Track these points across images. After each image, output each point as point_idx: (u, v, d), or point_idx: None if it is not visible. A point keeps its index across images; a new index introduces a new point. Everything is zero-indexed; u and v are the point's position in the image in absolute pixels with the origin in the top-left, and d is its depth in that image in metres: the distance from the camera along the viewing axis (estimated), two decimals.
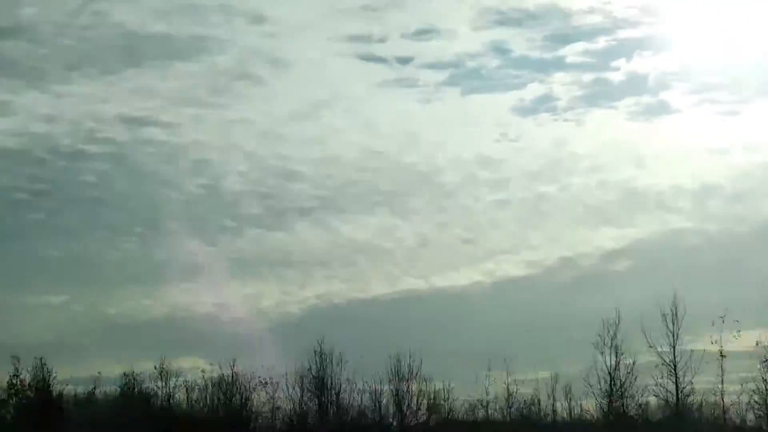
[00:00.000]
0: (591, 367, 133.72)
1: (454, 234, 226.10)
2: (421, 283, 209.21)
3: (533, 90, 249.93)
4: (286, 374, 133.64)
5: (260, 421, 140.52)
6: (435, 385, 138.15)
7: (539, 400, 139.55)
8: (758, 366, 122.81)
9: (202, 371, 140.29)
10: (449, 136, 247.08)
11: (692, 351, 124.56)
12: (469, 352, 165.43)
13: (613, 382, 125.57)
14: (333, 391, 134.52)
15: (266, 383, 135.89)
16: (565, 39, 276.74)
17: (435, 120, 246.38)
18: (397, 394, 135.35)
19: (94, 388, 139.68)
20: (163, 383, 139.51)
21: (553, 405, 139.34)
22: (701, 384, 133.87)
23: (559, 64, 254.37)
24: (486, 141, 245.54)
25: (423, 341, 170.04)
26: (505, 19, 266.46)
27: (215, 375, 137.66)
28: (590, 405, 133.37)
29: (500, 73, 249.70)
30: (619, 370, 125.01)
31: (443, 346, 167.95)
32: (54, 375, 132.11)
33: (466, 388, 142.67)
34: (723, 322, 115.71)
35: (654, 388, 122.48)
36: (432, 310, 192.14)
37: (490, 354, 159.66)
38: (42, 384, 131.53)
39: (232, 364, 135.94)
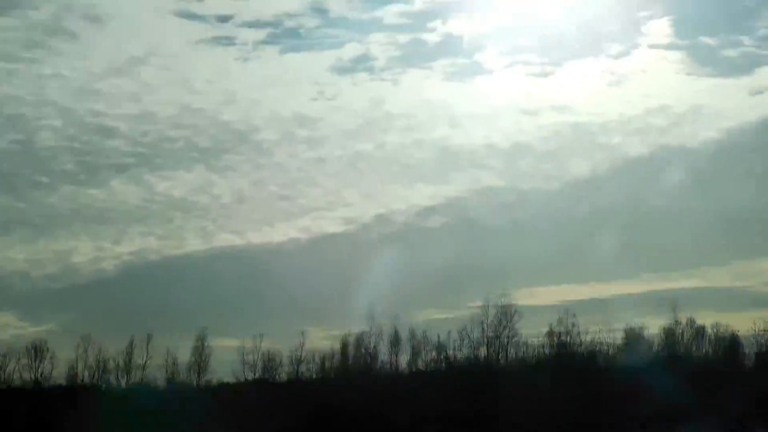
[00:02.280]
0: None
1: (270, 191, 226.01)
2: (237, 239, 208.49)
3: (351, 50, 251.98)
4: None
5: None
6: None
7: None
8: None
9: None
10: (267, 95, 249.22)
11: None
12: (287, 308, 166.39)
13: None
14: None
15: None
16: (382, 0, 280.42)
17: (253, 78, 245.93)
18: None
19: None
20: None
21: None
22: None
23: (377, 25, 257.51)
24: (304, 99, 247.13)
25: (239, 297, 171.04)
26: None
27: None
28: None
29: (319, 32, 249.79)
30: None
31: (261, 301, 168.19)
32: None
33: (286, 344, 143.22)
34: None
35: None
36: (248, 266, 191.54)
37: (306, 309, 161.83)
38: None
39: None
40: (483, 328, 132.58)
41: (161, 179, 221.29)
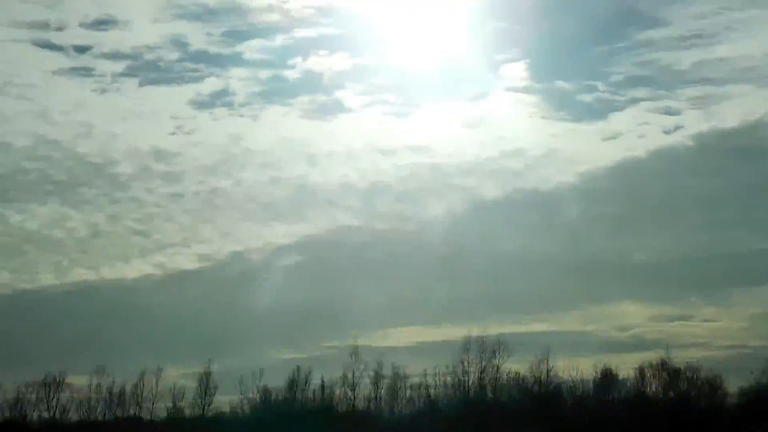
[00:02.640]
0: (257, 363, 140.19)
1: (126, 226, 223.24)
2: (92, 274, 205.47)
3: (210, 84, 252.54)
4: None
5: None
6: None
7: None
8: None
9: None
10: (125, 128, 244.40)
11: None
12: (138, 345, 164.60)
13: None
14: None
15: None
16: (243, 35, 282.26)
17: (111, 111, 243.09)
18: None
19: None
20: None
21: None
22: None
23: (237, 60, 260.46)
24: (162, 133, 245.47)
25: (91, 332, 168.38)
26: (184, 13, 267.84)
27: None
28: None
29: (178, 66, 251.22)
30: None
31: (114, 337, 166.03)
32: None
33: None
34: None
35: None
36: (102, 301, 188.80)
37: (159, 347, 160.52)
38: None
39: None
40: None
41: (14, 211, 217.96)
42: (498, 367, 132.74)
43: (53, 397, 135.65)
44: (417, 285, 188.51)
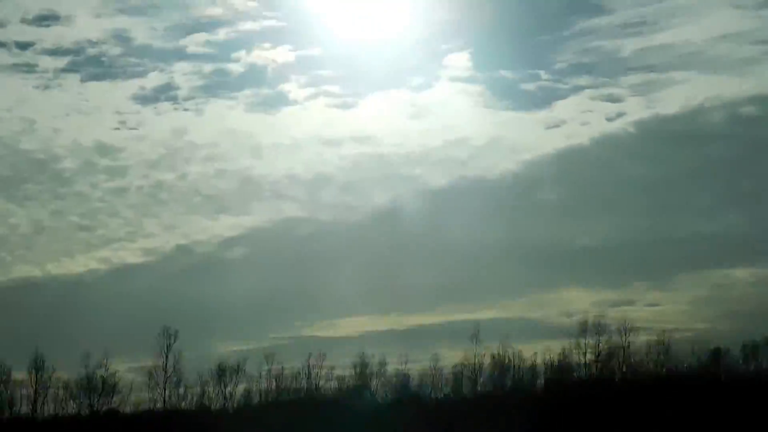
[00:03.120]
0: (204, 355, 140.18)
1: (70, 221, 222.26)
2: (36, 270, 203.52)
3: (154, 79, 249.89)
4: None
5: None
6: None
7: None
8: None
9: None
10: (68, 123, 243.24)
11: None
12: (83, 340, 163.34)
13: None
14: None
15: None
16: (185, 29, 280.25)
17: (53, 107, 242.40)
18: None
19: None
20: None
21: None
22: None
23: (181, 54, 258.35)
24: (105, 129, 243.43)
25: (36, 329, 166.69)
26: (127, 8, 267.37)
27: None
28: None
29: (121, 61, 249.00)
30: None
31: (59, 333, 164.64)
32: None
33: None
34: None
35: None
36: (47, 297, 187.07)
37: (101, 342, 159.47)
38: None
39: None
40: None
41: None
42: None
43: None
44: (364, 275, 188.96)
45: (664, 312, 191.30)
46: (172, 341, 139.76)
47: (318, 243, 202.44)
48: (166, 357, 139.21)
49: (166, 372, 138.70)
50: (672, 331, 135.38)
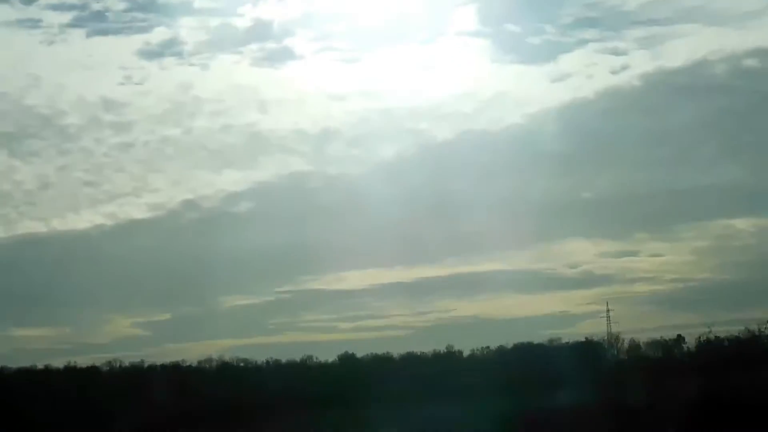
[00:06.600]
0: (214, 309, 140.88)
1: (75, 177, 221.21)
2: (41, 226, 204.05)
3: (160, 34, 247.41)
4: None
5: None
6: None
7: None
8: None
9: None
10: (73, 79, 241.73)
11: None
12: (89, 295, 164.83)
13: None
14: None
15: None
16: None
17: (58, 62, 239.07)
18: None
19: None
20: None
21: None
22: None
23: (186, 9, 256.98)
24: (110, 84, 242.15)
25: (42, 284, 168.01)
26: None
27: None
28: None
29: (126, 16, 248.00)
30: None
31: (65, 288, 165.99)
32: None
33: (89, 334, 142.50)
34: None
35: None
36: (53, 253, 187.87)
37: (112, 298, 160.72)
38: None
39: None
40: None
41: None
42: None
43: None
44: (370, 228, 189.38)
45: (667, 262, 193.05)
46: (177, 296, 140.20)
47: (324, 197, 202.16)
48: None
49: None
50: (673, 281, 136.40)
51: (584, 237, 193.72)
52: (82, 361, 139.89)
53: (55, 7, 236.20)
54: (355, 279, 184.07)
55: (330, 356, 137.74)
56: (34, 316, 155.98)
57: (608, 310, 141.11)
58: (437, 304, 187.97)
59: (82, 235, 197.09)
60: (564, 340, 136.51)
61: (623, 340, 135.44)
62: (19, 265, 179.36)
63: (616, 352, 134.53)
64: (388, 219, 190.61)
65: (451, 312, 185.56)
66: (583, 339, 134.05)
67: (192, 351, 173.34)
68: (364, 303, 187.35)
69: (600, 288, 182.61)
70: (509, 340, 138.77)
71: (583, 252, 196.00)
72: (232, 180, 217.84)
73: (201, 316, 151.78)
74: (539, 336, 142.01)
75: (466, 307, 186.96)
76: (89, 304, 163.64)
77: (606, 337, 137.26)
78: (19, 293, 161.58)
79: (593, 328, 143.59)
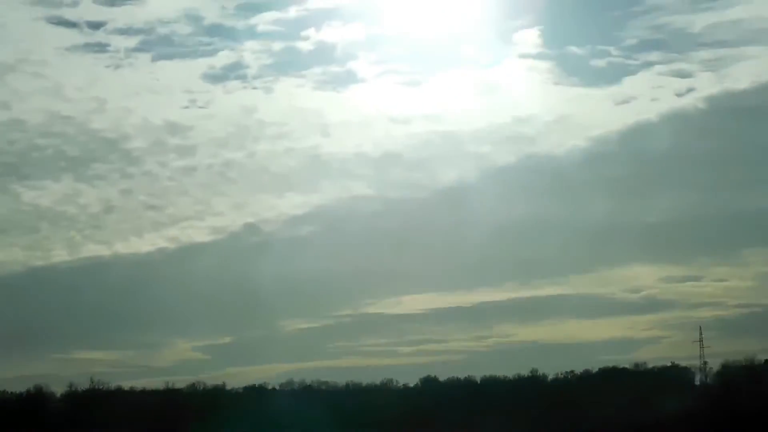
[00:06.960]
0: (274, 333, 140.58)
1: (139, 200, 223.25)
2: (105, 249, 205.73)
3: (224, 57, 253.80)
4: None
5: None
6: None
7: None
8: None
9: None
10: (138, 102, 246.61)
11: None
12: (151, 318, 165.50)
13: None
14: None
15: None
16: (256, 8, 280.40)
17: (124, 86, 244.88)
18: None
19: None
20: None
21: None
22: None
23: (250, 33, 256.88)
24: (175, 108, 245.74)
25: (105, 308, 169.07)
26: None
27: None
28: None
29: (192, 40, 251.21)
30: None
31: (127, 311, 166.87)
32: None
33: (145, 357, 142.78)
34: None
35: None
36: (116, 276, 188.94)
37: (173, 321, 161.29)
38: None
39: None
40: None
41: (28, 188, 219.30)
42: None
43: None
44: (430, 252, 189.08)
45: (731, 287, 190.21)
46: (237, 319, 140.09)
47: (385, 221, 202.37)
48: None
49: None
50: (738, 307, 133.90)
51: (647, 261, 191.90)
52: (146, 384, 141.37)
53: (122, 32, 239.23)
54: (414, 303, 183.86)
55: (400, 378, 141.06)
56: (95, 339, 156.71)
57: (701, 337, 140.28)
58: (497, 329, 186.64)
59: (145, 259, 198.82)
60: (649, 365, 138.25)
61: (710, 367, 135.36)
62: (82, 288, 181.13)
63: (705, 378, 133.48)
64: (449, 243, 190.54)
65: (511, 336, 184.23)
66: (668, 364, 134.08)
67: (251, 375, 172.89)
68: (424, 327, 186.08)
69: (662, 313, 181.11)
70: (574, 366, 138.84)
71: (645, 277, 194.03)
72: (293, 204, 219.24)
73: (261, 339, 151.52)
74: (598, 362, 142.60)
75: (526, 332, 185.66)
76: (150, 328, 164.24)
77: (698, 363, 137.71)
78: (80, 316, 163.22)
79: (651, 354, 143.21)
